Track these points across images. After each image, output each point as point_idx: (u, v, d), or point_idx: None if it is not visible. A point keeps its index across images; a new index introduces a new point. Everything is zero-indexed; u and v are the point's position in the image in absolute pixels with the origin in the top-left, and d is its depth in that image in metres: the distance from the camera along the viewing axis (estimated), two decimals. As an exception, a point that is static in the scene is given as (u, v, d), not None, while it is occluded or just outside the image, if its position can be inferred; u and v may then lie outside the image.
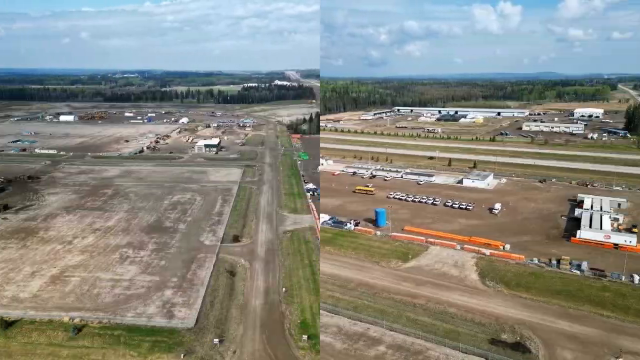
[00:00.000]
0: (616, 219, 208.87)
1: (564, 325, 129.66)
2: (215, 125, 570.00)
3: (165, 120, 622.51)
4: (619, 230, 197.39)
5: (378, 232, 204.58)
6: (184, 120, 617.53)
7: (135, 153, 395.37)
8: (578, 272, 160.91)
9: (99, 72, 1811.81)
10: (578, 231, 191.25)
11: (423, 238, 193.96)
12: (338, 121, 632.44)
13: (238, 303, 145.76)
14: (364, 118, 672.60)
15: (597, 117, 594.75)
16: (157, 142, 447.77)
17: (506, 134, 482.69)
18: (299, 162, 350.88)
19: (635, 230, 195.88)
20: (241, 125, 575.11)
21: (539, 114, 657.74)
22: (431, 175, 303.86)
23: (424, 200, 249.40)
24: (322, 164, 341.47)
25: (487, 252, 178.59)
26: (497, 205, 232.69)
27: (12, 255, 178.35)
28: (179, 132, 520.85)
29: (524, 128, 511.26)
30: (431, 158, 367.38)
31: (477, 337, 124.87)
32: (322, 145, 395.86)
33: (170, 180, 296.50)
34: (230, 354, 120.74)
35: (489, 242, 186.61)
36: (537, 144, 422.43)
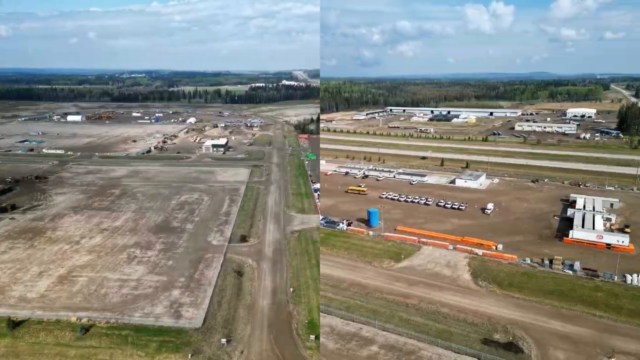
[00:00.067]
0: (609, 219, 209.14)
1: (556, 325, 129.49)
2: (223, 125, 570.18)
3: (172, 120, 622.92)
4: (611, 230, 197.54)
5: (371, 232, 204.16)
6: (192, 120, 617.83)
7: (143, 153, 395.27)
8: (570, 272, 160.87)
9: (107, 72, 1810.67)
10: (570, 231, 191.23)
11: (415, 238, 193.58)
12: (330, 121, 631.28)
13: (245, 303, 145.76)
14: (357, 118, 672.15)
15: (590, 117, 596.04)
16: (164, 142, 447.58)
17: (499, 134, 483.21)
18: (307, 162, 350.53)
19: (627, 230, 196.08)
20: (249, 125, 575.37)
21: (531, 114, 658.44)
22: (424, 175, 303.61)
23: (416, 200, 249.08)
24: (322, 164, 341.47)
25: (480, 252, 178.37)
26: (490, 205, 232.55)
27: (20, 255, 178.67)
28: (187, 132, 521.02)
29: (517, 128, 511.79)
30: (424, 158, 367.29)
31: (469, 337, 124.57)
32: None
33: (177, 180, 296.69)
34: (237, 354, 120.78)
35: (481, 242, 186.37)
36: (530, 144, 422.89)
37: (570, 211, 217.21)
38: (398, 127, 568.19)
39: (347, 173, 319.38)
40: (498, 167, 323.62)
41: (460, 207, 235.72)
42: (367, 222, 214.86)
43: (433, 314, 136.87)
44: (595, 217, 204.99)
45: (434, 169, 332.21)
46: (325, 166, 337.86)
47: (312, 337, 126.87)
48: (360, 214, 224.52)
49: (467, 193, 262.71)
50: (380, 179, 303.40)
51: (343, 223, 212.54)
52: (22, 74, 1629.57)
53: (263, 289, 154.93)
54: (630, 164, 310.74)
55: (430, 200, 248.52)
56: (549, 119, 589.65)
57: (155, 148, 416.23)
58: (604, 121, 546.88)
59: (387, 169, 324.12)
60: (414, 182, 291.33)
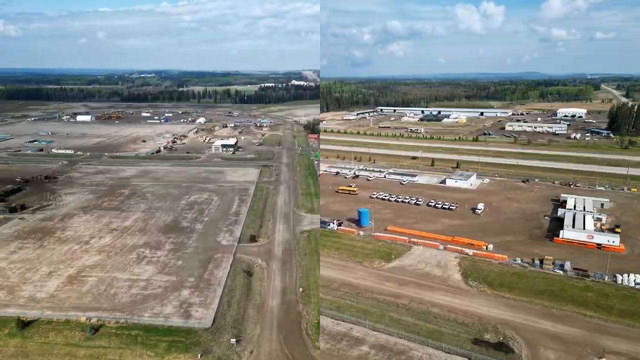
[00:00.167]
0: (599, 219, 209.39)
1: (547, 325, 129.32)
2: (232, 125, 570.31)
3: (182, 120, 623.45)
4: (602, 230, 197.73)
5: (361, 232, 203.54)
6: (201, 120, 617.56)
7: (152, 153, 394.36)
8: (561, 272, 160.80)
9: (116, 72, 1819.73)
10: (561, 231, 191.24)
11: (406, 238, 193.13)
12: (321, 121, 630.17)
13: (255, 303, 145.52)
14: (347, 118, 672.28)
15: (580, 117, 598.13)
16: (174, 142, 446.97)
17: (489, 134, 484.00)
18: (316, 162, 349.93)
19: (618, 230, 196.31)
20: (258, 125, 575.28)
21: (522, 114, 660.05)
22: (414, 175, 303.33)
23: (407, 200, 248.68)
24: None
25: (470, 252, 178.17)
26: (480, 205, 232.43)
27: (29, 255, 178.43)
28: (196, 132, 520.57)
29: (507, 128, 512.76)
30: (414, 158, 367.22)
31: (460, 337, 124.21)
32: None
33: (187, 180, 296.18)
34: (247, 354, 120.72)
35: (472, 242, 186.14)
36: (520, 144, 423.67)
37: (560, 211, 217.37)
38: (388, 127, 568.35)
39: (337, 173, 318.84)
40: (489, 167, 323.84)
41: (451, 207, 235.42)
42: (358, 222, 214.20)
43: (423, 314, 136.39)
44: (585, 217, 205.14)
45: (424, 169, 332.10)
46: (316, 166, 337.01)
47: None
48: (351, 214, 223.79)
49: (458, 193, 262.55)
50: (370, 179, 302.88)
51: (333, 223, 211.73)
52: (32, 74, 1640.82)
53: (272, 289, 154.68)
54: (620, 164, 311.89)
55: (420, 200, 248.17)
56: (539, 119, 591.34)
57: (164, 148, 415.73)
58: (594, 121, 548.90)
59: (378, 169, 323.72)
60: (404, 182, 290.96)
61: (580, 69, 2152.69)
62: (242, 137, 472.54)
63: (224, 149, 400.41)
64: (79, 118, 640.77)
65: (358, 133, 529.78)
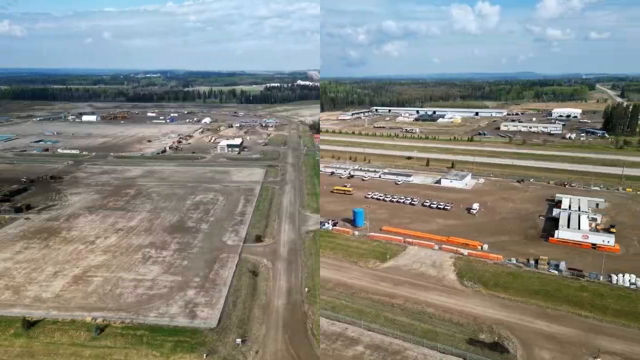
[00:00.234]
0: (594, 219, 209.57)
1: (542, 325, 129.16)
2: (238, 125, 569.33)
3: (187, 120, 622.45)
4: (597, 230, 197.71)
5: (356, 232, 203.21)
6: (207, 120, 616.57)
7: (158, 153, 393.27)
8: (556, 272, 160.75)
9: (122, 72, 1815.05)
10: (556, 231, 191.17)
11: (401, 238, 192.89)
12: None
13: (260, 303, 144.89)
14: (342, 118, 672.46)
15: (575, 117, 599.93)
16: (179, 142, 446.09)
17: (484, 134, 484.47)
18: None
19: (613, 230, 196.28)
20: (264, 125, 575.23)
21: (517, 114, 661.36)
22: (409, 175, 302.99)
23: (402, 200, 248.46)
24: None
25: (465, 252, 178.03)
26: (475, 205, 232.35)
27: (35, 255, 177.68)
28: (202, 132, 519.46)
29: (502, 128, 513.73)
30: (409, 158, 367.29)
31: (455, 337, 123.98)
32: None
33: (192, 180, 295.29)
34: (252, 354, 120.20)
35: (467, 242, 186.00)
36: (515, 144, 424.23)
37: (555, 211, 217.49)
38: (383, 127, 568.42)
39: (332, 173, 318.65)
40: (484, 167, 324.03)
41: (446, 207, 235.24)
42: (353, 222, 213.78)
43: (418, 314, 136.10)
44: (580, 217, 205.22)
45: (419, 169, 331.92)
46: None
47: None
48: (346, 214, 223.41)
49: (453, 193, 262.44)
50: (365, 179, 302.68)
51: (328, 223, 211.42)
52: (37, 74, 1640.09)
53: (278, 289, 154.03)
54: (615, 164, 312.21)
55: (415, 200, 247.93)
56: (534, 119, 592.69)
57: (170, 148, 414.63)
58: (589, 121, 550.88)
59: (373, 169, 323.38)
60: (399, 182, 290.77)
61: (575, 69, 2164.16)
62: (248, 137, 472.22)
63: (230, 149, 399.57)
64: (85, 118, 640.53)
65: (353, 133, 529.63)
